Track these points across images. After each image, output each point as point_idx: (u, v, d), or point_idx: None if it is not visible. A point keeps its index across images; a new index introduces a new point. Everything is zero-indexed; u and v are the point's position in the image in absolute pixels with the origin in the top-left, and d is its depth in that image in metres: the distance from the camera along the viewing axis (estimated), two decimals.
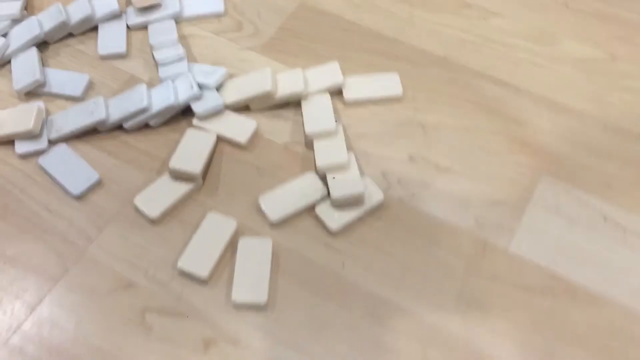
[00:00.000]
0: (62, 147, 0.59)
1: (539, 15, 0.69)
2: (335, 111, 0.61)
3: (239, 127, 0.60)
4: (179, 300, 0.51)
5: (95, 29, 0.68)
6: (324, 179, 0.56)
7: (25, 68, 0.63)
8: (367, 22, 0.69)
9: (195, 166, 0.56)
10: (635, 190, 0.56)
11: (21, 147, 0.59)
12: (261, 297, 0.50)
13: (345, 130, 0.59)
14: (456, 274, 0.52)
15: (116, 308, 0.51)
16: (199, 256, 0.52)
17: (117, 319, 0.50)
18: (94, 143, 0.60)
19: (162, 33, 0.66)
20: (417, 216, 0.55)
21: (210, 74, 0.62)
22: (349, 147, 0.58)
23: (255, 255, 0.52)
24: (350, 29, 0.68)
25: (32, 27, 0.66)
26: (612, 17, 0.69)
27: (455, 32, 0.68)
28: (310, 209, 0.55)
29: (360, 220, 0.55)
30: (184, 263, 0.52)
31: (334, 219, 0.54)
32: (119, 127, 0.60)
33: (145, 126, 0.61)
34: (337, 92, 0.62)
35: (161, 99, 0.59)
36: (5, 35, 0.66)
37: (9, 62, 0.65)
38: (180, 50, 0.64)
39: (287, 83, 0.61)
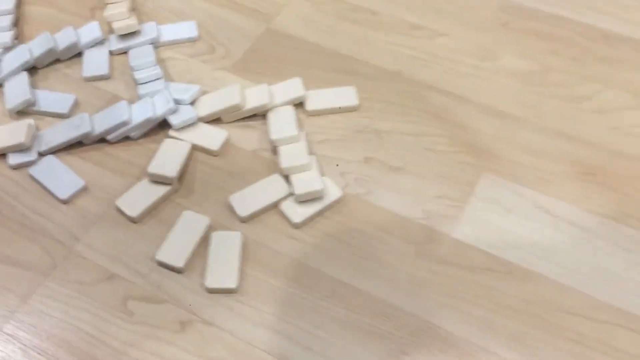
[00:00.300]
0: (51, 158, 0.65)
1: (481, 34, 0.78)
2: (298, 121, 0.67)
3: (212, 137, 0.66)
4: (158, 288, 0.57)
5: (80, 54, 0.75)
6: (287, 179, 0.62)
7: (17, 90, 0.70)
8: (327, 43, 0.76)
9: (171, 170, 0.62)
10: (565, 182, 0.64)
11: (13, 159, 0.65)
12: (232, 282, 0.56)
13: (307, 137, 0.66)
14: (407, 258, 0.58)
15: (101, 297, 0.56)
16: (175, 249, 0.58)
17: (102, 307, 0.56)
18: (80, 154, 0.66)
19: (141, 56, 0.73)
20: (371, 210, 0.62)
21: (185, 91, 0.68)
22: (311, 152, 0.65)
23: (226, 246, 0.58)
24: (312, 49, 0.76)
25: (22, 54, 0.72)
26: (546, 33, 0.77)
27: (407, 50, 0.76)
28: (276, 206, 0.61)
29: (320, 214, 0.61)
30: (162, 255, 0.58)
31: (297, 213, 0.60)
32: (102, 139, 0.67)
33: (126, 138, 0.67)
34: (299, 105, 0.69)
35: (141, 112, 0.66)
36: None
37: (1, 85, 0.72)
38: (157, 70, 0.71)
39: (254, 97, 0.68)
